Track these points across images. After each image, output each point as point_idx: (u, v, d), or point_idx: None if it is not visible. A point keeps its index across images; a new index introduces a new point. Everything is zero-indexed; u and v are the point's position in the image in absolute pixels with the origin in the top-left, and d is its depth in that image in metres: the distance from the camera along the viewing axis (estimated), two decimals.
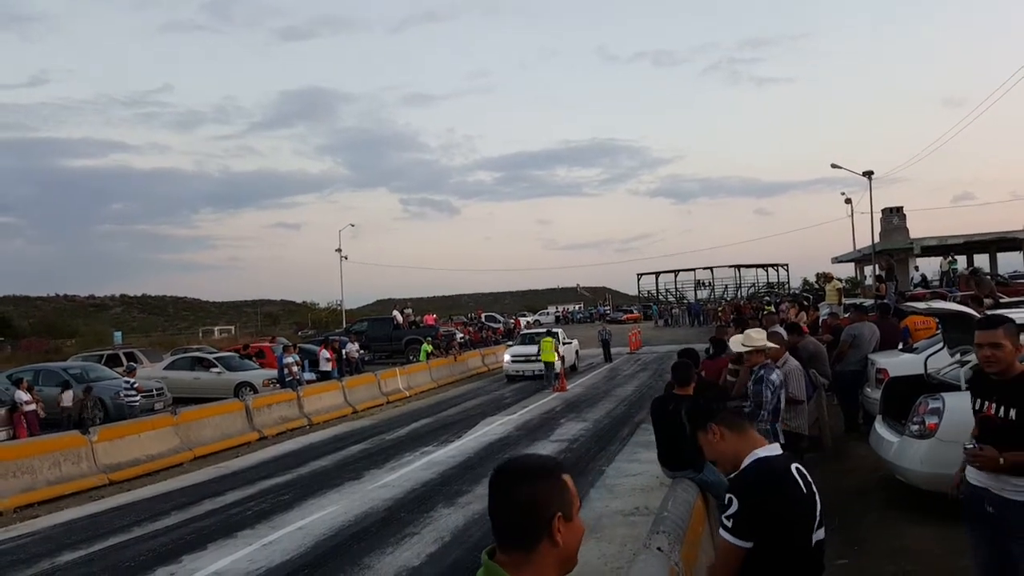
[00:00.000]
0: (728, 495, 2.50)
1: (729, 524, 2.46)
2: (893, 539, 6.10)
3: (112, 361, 22.89)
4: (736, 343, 6.28)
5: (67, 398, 15.98)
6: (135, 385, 16.36)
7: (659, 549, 3.79)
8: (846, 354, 10.43)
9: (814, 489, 2.58)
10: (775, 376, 5.88)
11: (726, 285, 67.79)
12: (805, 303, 20.73)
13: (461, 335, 33.35)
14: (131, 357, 23.80)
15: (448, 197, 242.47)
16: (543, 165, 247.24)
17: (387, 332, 32.42)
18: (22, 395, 14.66)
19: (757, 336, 6.19)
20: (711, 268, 68.23)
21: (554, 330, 28.57)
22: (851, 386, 10.34)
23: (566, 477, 1.62)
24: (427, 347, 27.01)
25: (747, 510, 2.43)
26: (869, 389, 9.84)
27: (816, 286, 38.91)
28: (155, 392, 18.48)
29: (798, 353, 8.63)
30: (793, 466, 2.58)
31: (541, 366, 22.61)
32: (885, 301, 15.37)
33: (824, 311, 18.25)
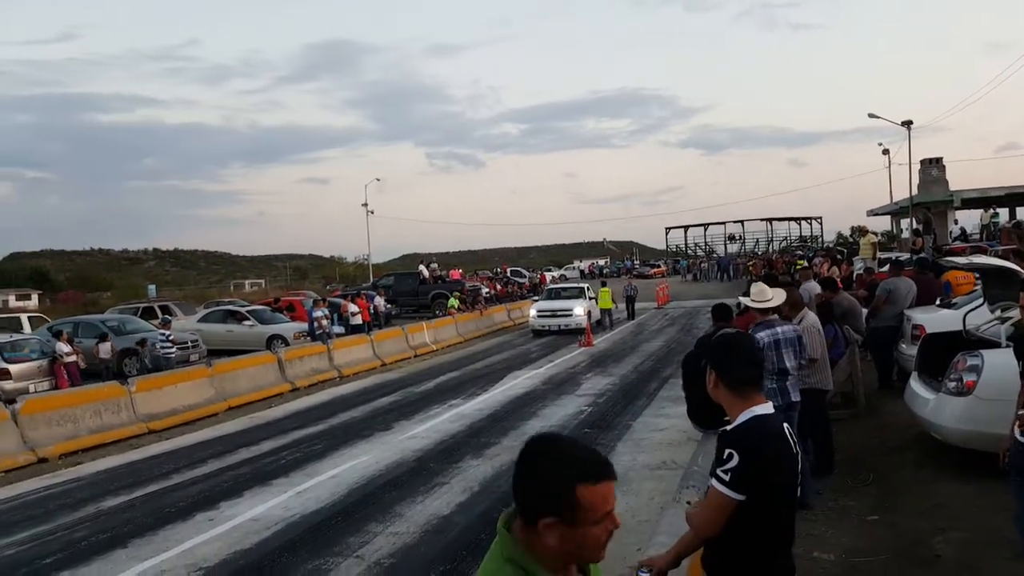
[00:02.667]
0: (728, 449, 2.53)
1: (727, 477, 2.50)
2: (927, 496, 6.04)
3: (148, 314, 23.35)
4: (746, 299, 6.19)
5: (104, 349, 16.41)
6: (171, 337, 16.73)
7: (688, 503, 3.82)
8: (881, 310, 10.18)
9: (798, 449, 2.68)
10: (763, 334, 5.71)
11: (757, 239, 66.84)
12: (839, 257, 20.34)
13: (487, 290, 33.44)
14: (166, 310, 24.28)
15: (474, 150, 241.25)
16: (570, 116, 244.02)
17: (413, 287, 32.63)
18: (63, 347, 15.08)
19: (756, 293, 6.05)
20: (742, 221, 67.18)
21: (581, 284, 28.59)
22: (886, 342, 10.14)
23: (587, 489, 1.52)
24: (454, 301, 27.16)
25: (747, 465, 2.47)
26: (904, 345, 9.64)
27: (851, 240, 38.20)
28: (190, 344, 18.88)
29: (831, 308, 8.53)
30: (784, 425, 2.65)
31: (567, 321, 22.77)
32: (923, 255, 15.01)
33: (858, 266, 17.94)
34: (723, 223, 67.62)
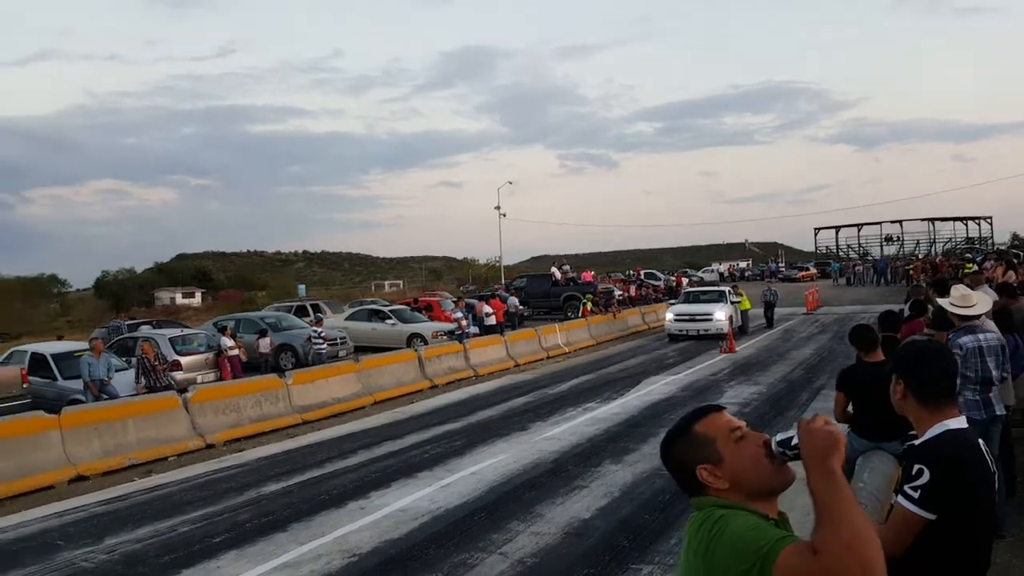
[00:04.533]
0: (917, 465, 2.39)
1: (916, 495, 2.37)
2: None
3: (300, 312, 24.94)
4: (947, 302, 5.72)
5: (264, 344, 17.63)
6: (322, 334, 17.76)
7: None
8: None
9: (995, 468, 2.52)
10: (967, 339, 5.38)
11: (918, 240, 61.94)
12: (1015, 260, 18.46)
13: (619, 292, 33.06)
14: (317, 308, 25.82)
15: (606, 151, 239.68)
16: (708, 113, 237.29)
17: (546, 288, 32.81)
18: (227, 341, 16.35)
19: (959, 298, 5.60)
20: (900, 221, 62.45)
21: (721, 287, 27.61)
22: None
23: (699, 426, 1.75)
24: (587, 303, 27.02)
25: (939, 481, 2.33)
26: None
27: None
28: (339, 341, 19.95)
29: (1010, 316, 7.74)
30: (980, 440, 2.50)
31: (707, 326, 22.01)
32: None
33: None
34: (879, 223, 63.24)
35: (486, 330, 22.70)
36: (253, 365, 17.09)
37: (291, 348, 18.46)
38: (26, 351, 14.96)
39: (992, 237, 58.64)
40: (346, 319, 24.27)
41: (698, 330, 22.22)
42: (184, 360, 15.42)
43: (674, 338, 22.79)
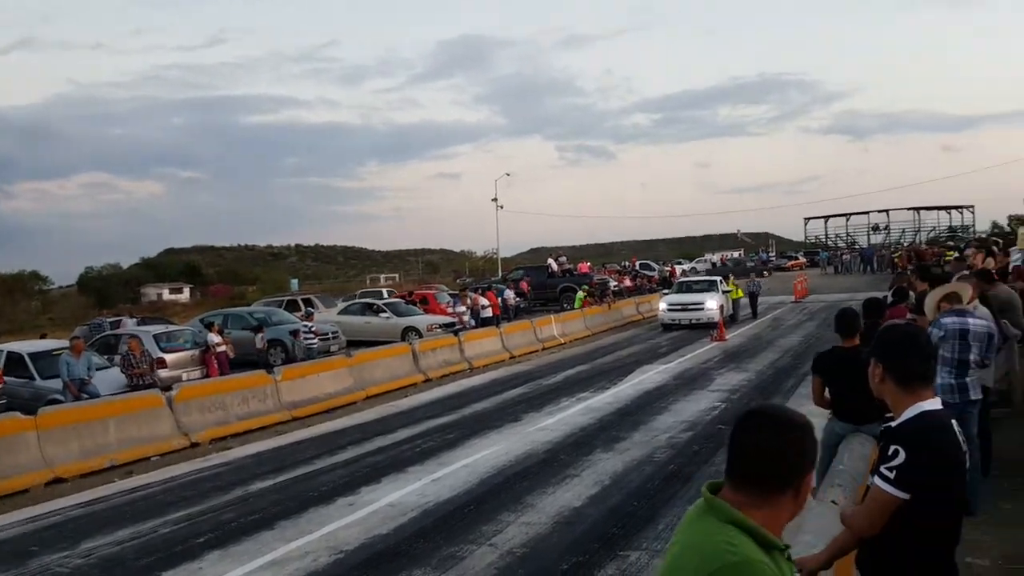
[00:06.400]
0: (893, 446, 2.45)
1: (891, 475, 2.42)
2: None
3: (291, 306, 24.78)
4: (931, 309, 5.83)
5: (260, 340, 17.48)
6: (313, 329, 17.65)
7: (833, 502, 3.71)
8: None
9: (967, 448, 2.60)
10: (949, 320, 5.51)
11: (903, 229, 62.24)
12: (994, 248, 18.50)
13: (615, 283, 33.04)
14: (308, 303, 25.71)
15: (604, 142, 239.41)
16: (704, 104, 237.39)
17: (542, 280, 32.78)
18: (213, 337, 16.20)
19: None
20: (887, 211, 62.73)
21: (714, 277, 27.64)
22: None
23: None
24: (582, 295, 26.99)
25: (913, 462, 2.40)
26: None
27: (1008, 229, 34.92)
28: (331, 335, 19.81)
29: (987, 302, 7.80)
30: (953, 422, 2.55)
31: (699, 315, 22.07)
32: None
33: (1015, 256, 16.26)
34: (867, 212, 63.55)
35: (482, 322, 22.65)
36: (250, 361, 16.92)
37: (281, 343, 18.34)
38: (2, 351, 14.36)
39: (974, 225, 59.04)
40: (339, 313, 24.15)
41: (690, 319, 22.31)
42: (169, 357, 15.21)
43: (667, 327, 22.86)
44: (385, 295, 29.71)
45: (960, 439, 2.51)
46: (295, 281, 58.21)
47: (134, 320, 24.10)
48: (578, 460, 8.57)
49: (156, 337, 15.76)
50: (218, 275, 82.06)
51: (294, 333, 18.06)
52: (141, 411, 10.43)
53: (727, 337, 19.43)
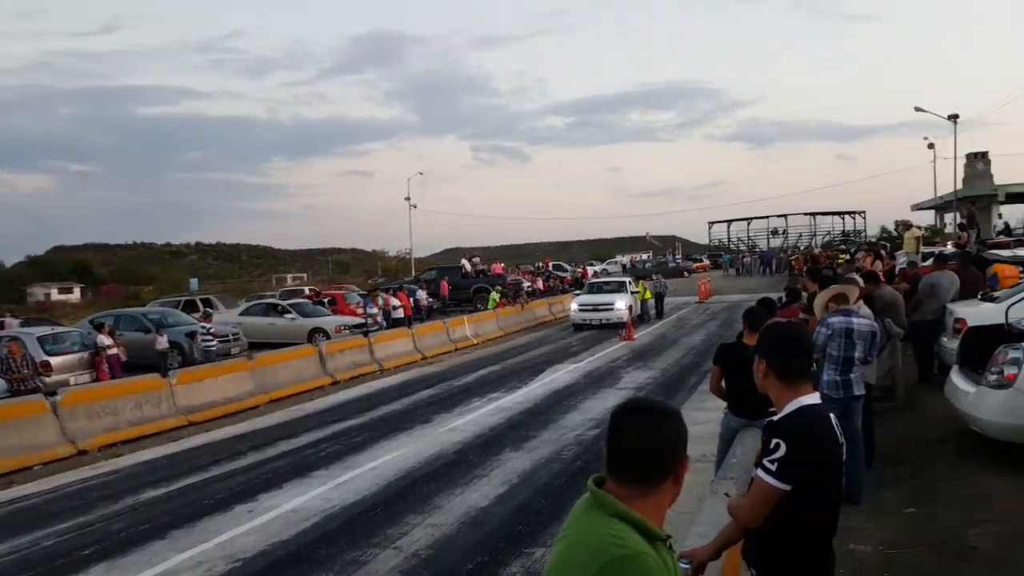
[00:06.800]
0: (775, 439, 2.52)
1: (773, 468, 2.48)
2: (965, 489, 5.98)
3: (189, 307, 23.67)
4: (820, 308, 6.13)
5: (161, 342, 16.57)
6: (211, 330, 16.90)
7: (726, 495, 3.77)
8: (923, 303, 10.14)
9: (843, 440, 2.70)
10: (836, 319, 5.79)
11: (800, 233, 65.77)
12: (882, 252, 19.76)
13: (528, 284, 33.30)
14: (207, 303, 24.61)
15: (519, 143, 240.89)
16: (616, 109, 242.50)
17: (455, 280, 32.64)
18: (104, 339, 15.27)
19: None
20: (785, 216, 66.19)
21: (623, 278, 28.26)
22: (927, 336, 10.05)
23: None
24: (495, 295, 27.05)
25: (794, 455, 2.46)
26: (946, 339, 9.54)
27: (895, 234, 37.33)
28: (231, 337, 19.05)
29: (872, 302, 8.29)
30: (831, 416, 2.64)
31: (608, 315, 22.52)
32: (967, 250, 14.60)
33: (902, 260, 17.42)
34: (767, 217, 66.85)
35: (393, 323, 22.33)
36: (146, 365, 15.97)
37: (178, 346, 17.48)
38: None
39: (865, 230, 63.03)
40: (241, 314, 23.20)
41: (600, 319, 22.74)
42: (55, 360, 14.25)
43: (578, 327, 23.22)
44: (307, 293, 28.93)
45: (837, 432, 2.59)
46: (195, 281, 55.73)
47: (18, 321, 22.40)
48: (487, 460, 8.55)
49: (41, 339, 14.73)
50: (112, 274, 77.73)
51: (191, 335, 17.24)
52: (22, 418, 9.72)
53: (635, 336, 19.91)
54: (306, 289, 33.40)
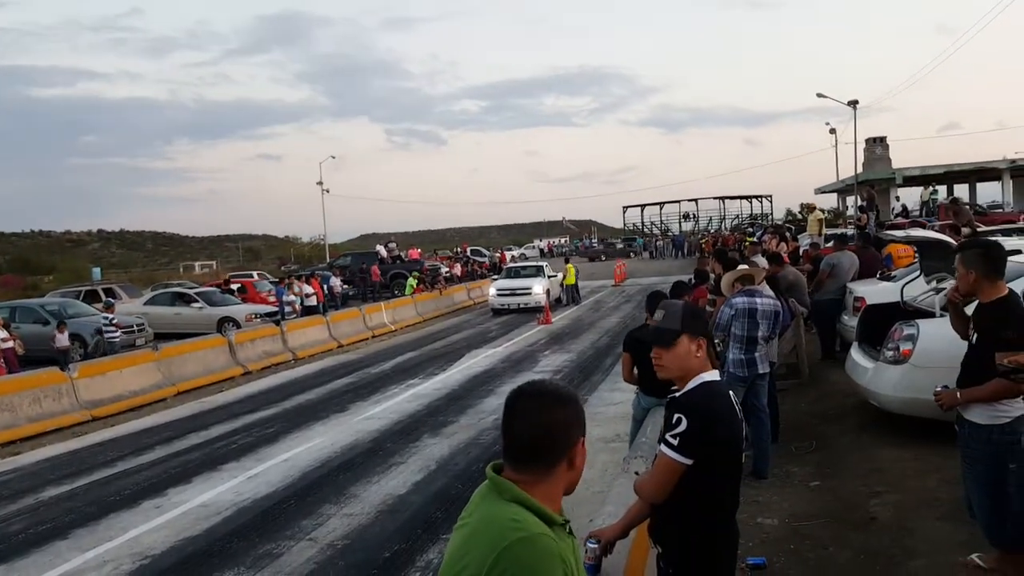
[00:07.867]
0: (677, 414, 2.58)
1: (675, 442, 2.55)
2: (865, 461, 6.24)
3: (91, 297, 22.53)
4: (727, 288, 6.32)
5: (62, 339, 15.63)
6: (114, 321, 16.17)
7: (636, 473, 3.84)
8: (824, 283, 10.54)
9: (742, 416, 2.79)
10: (739, 300, 6.02)
11: (710, 217, 67.84)
12: (787, 234, 20.72)
13: (446, 269, 33.22)
14: (110, 293, 23.46)
15: (434, 127, 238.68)
16: (530, 93, 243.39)
17: (371, 266, 32.15)
18: None
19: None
20: (696, 200, 68.14)
21: (540, 263, 28.56)
22: (829, 315, 10.46)
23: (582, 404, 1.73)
24: (412, 281, 26.88)
25: (696, 429, 2.52)
26: (846, 317, 9.94)
27: (799, 217, 39.09)
28: (135, 328, 18.29)
29: (776, 282, 8.67)
30: (730, 392, 2.73)
31: (526, 299, 22.76)
32: (866, 231, 15.42)
33: (805, 241, 18.28)
34: (678, 201, 68.66)
35: (306, 311, 21.88)
36: (47, 359, 15.09)
37: (79, 338, 16.65)
38: None
39: (772, 213, 65.63)
40: (145, 304, 22.26)
41: (518, 304, 22.97)
42: None
43: (497, 312, 23.38)
44: (255, 277, 27.87)
45: (737, 408, 2.70)
46: (97, 270, 52.84)
47: None
48: (405, 447, 8.58)
49: None
50: (7, 264, 72.83)
51: (98, 331, 16.45)
52: None
53: (553, 320, 20.23)
54: (255, 274, 31.73)
